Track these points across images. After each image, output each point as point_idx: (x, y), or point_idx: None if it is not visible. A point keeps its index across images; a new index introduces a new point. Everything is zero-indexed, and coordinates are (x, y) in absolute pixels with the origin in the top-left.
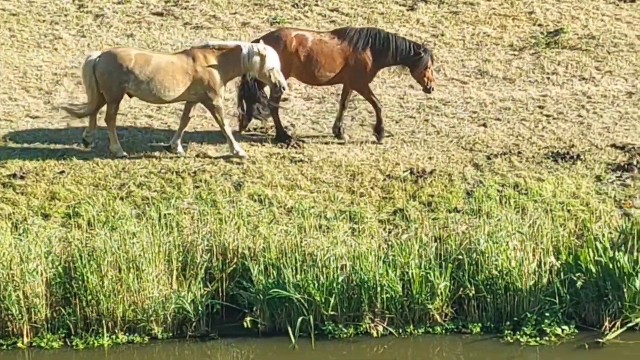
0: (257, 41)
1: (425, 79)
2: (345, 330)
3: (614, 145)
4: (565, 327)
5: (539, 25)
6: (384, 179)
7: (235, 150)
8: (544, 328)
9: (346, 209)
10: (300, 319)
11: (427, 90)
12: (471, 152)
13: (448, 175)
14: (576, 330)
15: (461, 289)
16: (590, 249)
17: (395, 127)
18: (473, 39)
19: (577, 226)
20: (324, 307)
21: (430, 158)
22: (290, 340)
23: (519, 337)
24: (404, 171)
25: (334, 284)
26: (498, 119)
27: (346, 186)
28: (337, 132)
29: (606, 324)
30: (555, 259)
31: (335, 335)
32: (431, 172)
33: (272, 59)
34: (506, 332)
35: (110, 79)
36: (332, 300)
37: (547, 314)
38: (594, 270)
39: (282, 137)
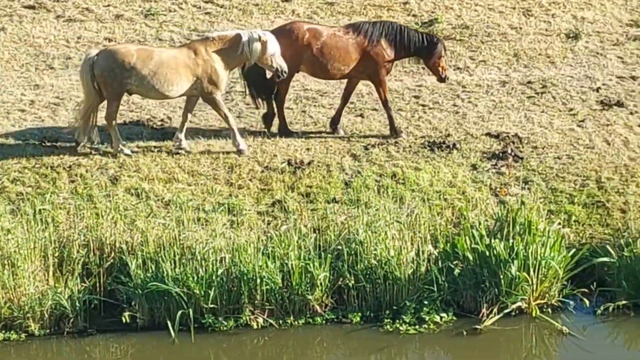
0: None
1: (440, 69)
2: (225, 323)
3: (488, 134)
4: (443, 314)
5: (414, 15)
6: (262, 171)
7: (237, 143)
8: (423, 316)
9: (224, 201)
10: (179, 313)
11: (442, 79)
12: (349, 142)
13: (326, 166)
14: (454, 318)
15: (341, 279)
16: (467, 237)
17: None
18: None
19: (454, 214)
20: (203, 300)
21: (308, 149)
22: (170, 334)
23: (398, 325)
24: (282, 162)
25: (214, 277)
26: (375, 109)
27: (224, 178)
28: (334, 128)
29: (483, 310)
30: (433, 248)
31: (215, 328)
32: (309, 163)
33: (273, 45)
34: (386, 321)
35: (111, 76)
36: (211, 293)
37: (425, 302)
38: (471, 257)
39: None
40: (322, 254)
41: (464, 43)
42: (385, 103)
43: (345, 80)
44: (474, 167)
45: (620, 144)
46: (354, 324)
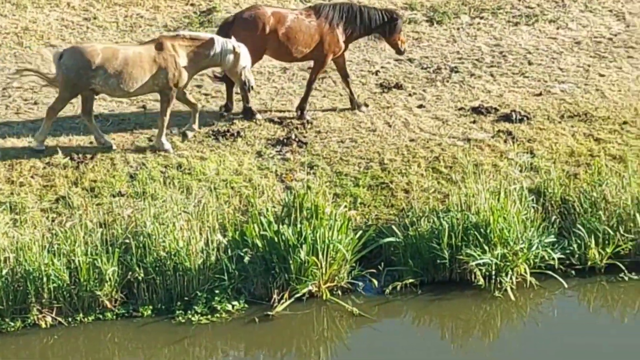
0: (230, 24)
1: (400, 43)
2: (12, 324)
3: (272, 121)
4: (235, 302)
5: (192, 5)
6: (44, 167)
7: (162, 143)
8: (215, 305)
9: (6, 199)
10: None
11: (401, 53)
12: (132, 134)
13: (110, 159)
14: (246, 305)
15: (130, 273)
16: (255, 224)
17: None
18: (127, 21)
19: (242, 202)
20: None
21: (91, 142)
22: None
23: (190, 316)
24: (64, 157)
25: None
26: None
27: (4, 176)
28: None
29: (274, 296)
30: (222, 237)
31: (1, 330)
32: (92, 157)
33: (245, 57)
34: (178, 312)
35: (77, 76)
36: None
37: (217, 291)
38: (260, 244)
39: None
40: (110, 248)
41: None
42: (311, 83)
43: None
44: (259, 154)
45: (400, 126)
46: (145, 317)
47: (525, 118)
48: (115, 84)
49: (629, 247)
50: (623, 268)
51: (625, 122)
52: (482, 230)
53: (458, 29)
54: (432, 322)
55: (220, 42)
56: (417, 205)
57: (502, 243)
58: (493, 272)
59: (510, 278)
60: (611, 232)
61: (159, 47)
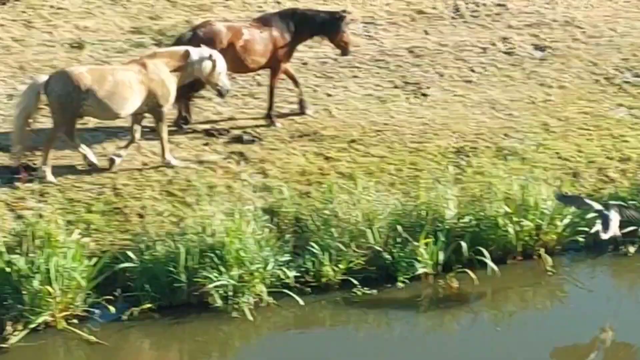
0: (190, 39)
1: (346, 43)
2: None
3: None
4: None
5: None
6: None
7: (167, 160)
8: None
9: None
10: None
11: (347, 53)
12: None
13: None
14: None
15: None
16: None
17: None
18: None
19: None
20: None
21: None
22: None
23: None
24: None
25: None
26: None
27: None
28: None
29: (9, 328)
30: None
31: None
32: None
33: (221, 63)
34: None
35: (68, 100)
36: None
37: None
38: None
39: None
40: None
41: None
42: (272, 90)
43: None
44: None
45: (132, 150)
46: None
47: (256, 139)
48: (107, 106)
49: (361, 262)
50: (356, 283)
51: (353, 140)
52: (218, 252)
53: None
54: (170, 346)
55: (196, 52)
56: (152, 229)
57: (239, 264)
58: (230, 293)
59: (248, 298)
60: (344, 249)
61: (144, 67)
